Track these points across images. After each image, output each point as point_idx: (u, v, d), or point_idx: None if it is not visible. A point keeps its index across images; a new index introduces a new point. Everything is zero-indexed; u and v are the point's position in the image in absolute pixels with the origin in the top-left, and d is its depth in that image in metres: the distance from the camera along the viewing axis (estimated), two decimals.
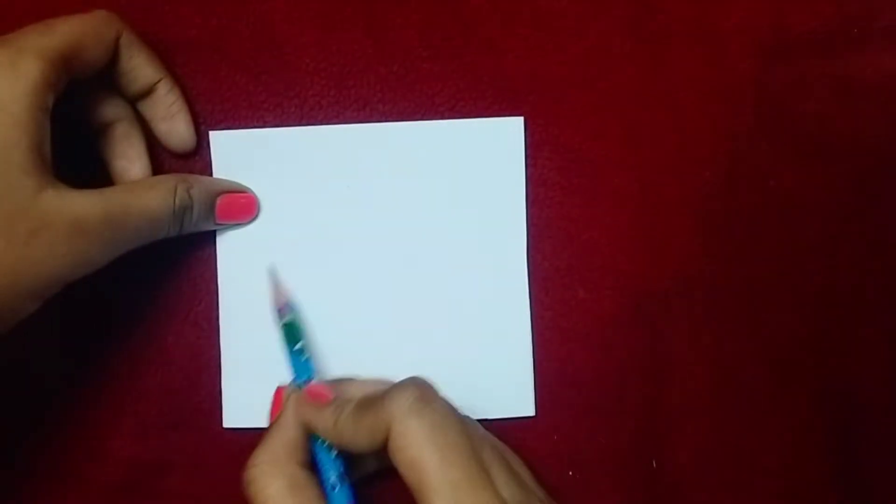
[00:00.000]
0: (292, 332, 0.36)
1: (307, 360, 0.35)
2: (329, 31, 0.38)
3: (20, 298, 0.30)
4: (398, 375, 0.34)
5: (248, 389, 0.38)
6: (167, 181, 0.35)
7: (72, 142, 0.35)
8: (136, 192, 0.34)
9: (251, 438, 0.38)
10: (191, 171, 0.38)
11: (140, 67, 0.35)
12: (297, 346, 0.35)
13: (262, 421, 0.37)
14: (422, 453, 0.29)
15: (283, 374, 0.36)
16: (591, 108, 0.38)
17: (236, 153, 0.38)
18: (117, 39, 0.34)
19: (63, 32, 0.32)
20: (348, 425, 0.31)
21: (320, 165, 0.38)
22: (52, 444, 0.38)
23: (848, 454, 0.38)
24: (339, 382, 0.36)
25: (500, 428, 0.38)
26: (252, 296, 0.38)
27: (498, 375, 0.38)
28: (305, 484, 0.32)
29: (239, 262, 0.38)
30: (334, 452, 0.33)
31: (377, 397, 0.31)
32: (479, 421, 0.36)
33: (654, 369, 0.38)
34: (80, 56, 0.32)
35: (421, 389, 0.30)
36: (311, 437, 0.33)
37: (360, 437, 0.31)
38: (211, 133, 0.38)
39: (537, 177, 0.38)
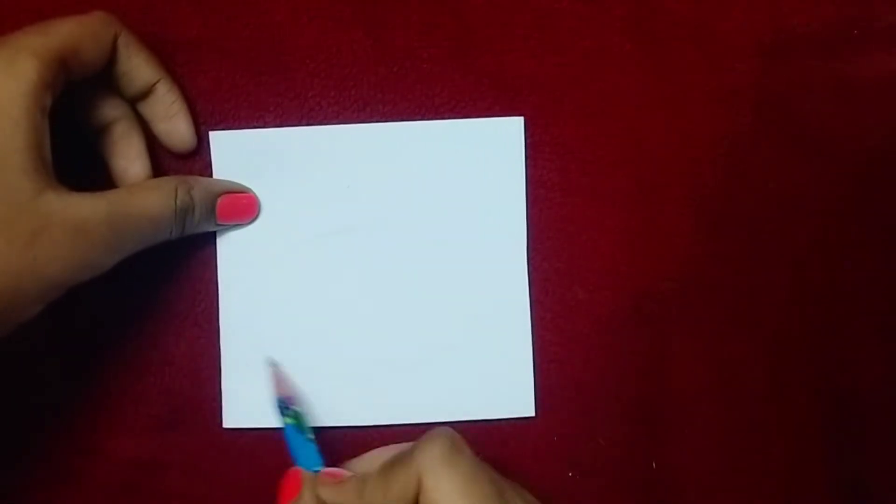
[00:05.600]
0: (300, 423, 0.34)
1: (317, 450, 0.34)
2: (329, 32, 0.38)
3: (23, 302, 0.30)
4: (398, 375, 0.35)
5: (248, 389, 0.38)
6: (168, 183, 0.35)
7: (72, 142, 0.35)
8: (137, 194, 0.34)
9: (251, 438, 0.38)
10: (191, 172, 0.38)
11: (138, 68, 0.35)
12: (308, 437, 0.34)
13: (261, 421, 0.37)
14: None
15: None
16: (590, 108, 0.38)
17: (236, 153, 0.38)
18: (115, 40, 0.34)
19: (60, 33, 0.32)
20: (376, 491, 0.30)
21: (320, 165, 0.38)
22: (52, 444, 0.38)
23: (847, 453, 0.38)
24: (346, 464, 0.35)
25: (500, 429, 0.38)
26: (252, 296, 0.38)
27: (498, 376, 0.38)
28: None
29: (239, 262, 0.38)
30: None
31: (404, 453, 0.30)
32: (479, 422, 0.36)
33: (654, 369, 0.38)
34: (78, 57, 0.32)
35: (451, 439, 0.30)
36: None
37: (389, 499, 0.30)
38: (211, 133, 0.38)
39: (537, 177, 0.38)
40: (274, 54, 0.38)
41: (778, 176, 0.38)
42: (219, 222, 0.37)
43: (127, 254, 0.33)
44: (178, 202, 0.34)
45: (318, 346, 0.38)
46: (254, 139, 0.38)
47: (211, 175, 0.38)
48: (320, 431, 0.36)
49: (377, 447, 0.36)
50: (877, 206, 0.38)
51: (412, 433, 0.35)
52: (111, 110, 0.36)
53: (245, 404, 0.38)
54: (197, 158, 0.38)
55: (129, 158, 0.36)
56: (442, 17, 0.38)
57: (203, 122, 0.38)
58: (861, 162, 0.38)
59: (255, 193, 0.38)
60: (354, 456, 0.36)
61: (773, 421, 0.38)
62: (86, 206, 0.31)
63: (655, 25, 0.38)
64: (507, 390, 0.38)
